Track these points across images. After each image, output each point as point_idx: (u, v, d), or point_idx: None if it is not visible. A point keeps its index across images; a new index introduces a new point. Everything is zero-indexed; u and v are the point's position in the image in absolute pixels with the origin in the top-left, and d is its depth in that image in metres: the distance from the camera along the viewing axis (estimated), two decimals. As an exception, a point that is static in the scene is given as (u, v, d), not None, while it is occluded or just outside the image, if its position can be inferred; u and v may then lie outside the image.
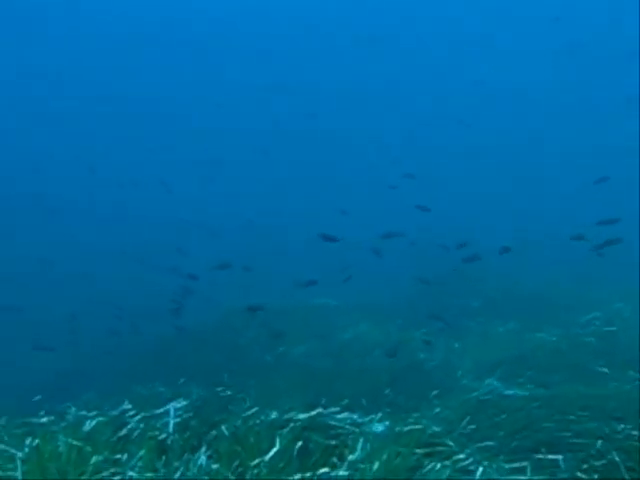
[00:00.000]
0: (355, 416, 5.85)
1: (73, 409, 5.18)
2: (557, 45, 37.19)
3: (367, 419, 5.83)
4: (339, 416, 5.72)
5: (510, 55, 39.66)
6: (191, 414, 5.29)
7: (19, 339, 12.74)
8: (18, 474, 4.15)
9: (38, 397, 7.42)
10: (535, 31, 37.46)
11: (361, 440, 5.00)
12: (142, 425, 4.92)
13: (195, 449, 4.70)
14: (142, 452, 4.49)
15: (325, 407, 5.84)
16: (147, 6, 35.69)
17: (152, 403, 7.75)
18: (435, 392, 8.87)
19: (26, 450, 4.31)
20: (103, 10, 35.10)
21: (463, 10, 37.74)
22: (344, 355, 10.31)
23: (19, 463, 4.16)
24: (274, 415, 5.24)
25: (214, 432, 4.91)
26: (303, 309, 12.49)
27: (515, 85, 39.63)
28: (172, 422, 4.85)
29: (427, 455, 5.49)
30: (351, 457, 4.95)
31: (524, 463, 5.72)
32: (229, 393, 7.55)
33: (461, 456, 5.27)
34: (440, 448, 5.69)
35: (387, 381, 9.58)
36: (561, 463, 5.64)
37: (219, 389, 8.78)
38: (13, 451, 4.32)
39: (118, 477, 4.23)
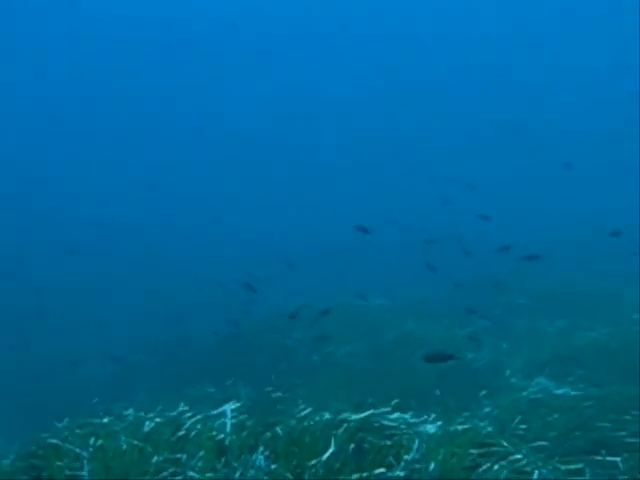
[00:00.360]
0: (407, 416, 5.84)
1: (131, 410, 5.28)
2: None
3: (419, 419, 5.81)
4: (391, 416, 5.72)
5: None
6: (245, 415, 5.34)
7: (70, 343, 13.02)
8: (84, 473, 4.26)
9: (95, 399, 7.63)
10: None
11: (417, 440, 4.99)
12: (199, 426, 5.00)
13: (252, 449, 4.74)
14: (201, 452, 4.55)
15: (376, 407, 5.84)
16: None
17: (203, 404, 7.86)
18: (484, 392, 8.78)
19: (90, 450, 4.42)
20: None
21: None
22: (390, 355, 10.30)
23: (85, 462, 4.27)
24: (327, 416, 5.26)
25: (270, 433, 4.96)
26: (349, 308, 12.49)
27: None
28: (229, 423, 4.91)
29: (482, 455, 5.43)
30: (407, 457, 4.95)
31: (580, 465, 5.63)
32: (278, 394, 7.62)
33: (517, 456, 5.21)
34: (495, 448, 5.63)
35: (434, 380, 9.53)
36: (620, 464, 5.55)
37: (268, 389, 8.86)
38: (78, 450, 4.43)
39: (179, 477, 4.31)
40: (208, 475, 4.38)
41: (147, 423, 4.87)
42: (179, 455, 4.56)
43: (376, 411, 5.60)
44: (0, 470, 4.37)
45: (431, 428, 5.66)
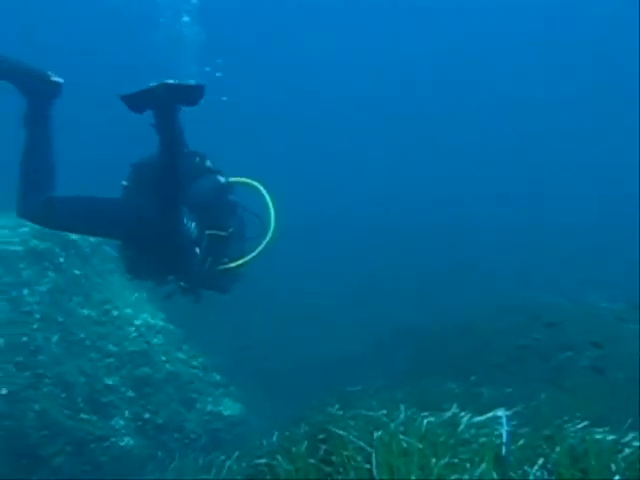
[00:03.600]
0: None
1: (402, 407, 5.36)
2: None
3: None
4: (675, 445, 5.21)
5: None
6: (514, 422, 5.19)
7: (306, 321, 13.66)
8: (370, 466, 4.40)
9: (359, 387, 8.00)
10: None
11: None
12: (473, 431, 4.94)
13: (530, 462, 4.58)
14: (481, 461, 4.48)
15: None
16: None
17: (445, 400, 7.81)
18: None
19: (374, 444, 4.54)
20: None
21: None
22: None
23: (373, 456, 4.40)
24: (611, 436, 4.93)
25: (549, 446, 4.76)
26: (586, 311, 11.76)
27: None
28: (506, 431, 4.79)
29: None
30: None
31: None
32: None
33: None
34: None
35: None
36: None
37: (509, 391, 8.61)
38: (362, 444, 4.58)
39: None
40: (490, 486, 4.30)
41: (424, 423, 4.90)
42: (456, 460, 4.53)
43: (659, 437, 5.15)
44: (297, 454, 4.66)
45: None
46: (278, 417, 9.68)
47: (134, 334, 10.09)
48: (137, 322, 10.28)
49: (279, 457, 4.61)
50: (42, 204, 5.51)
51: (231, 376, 10.96)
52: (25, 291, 9.29)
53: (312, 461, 4.57)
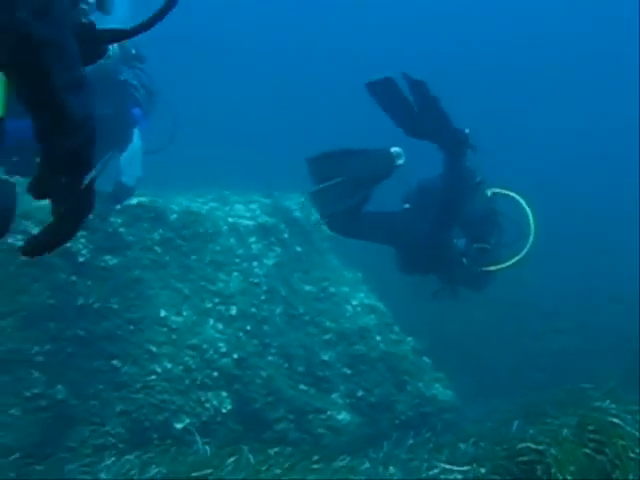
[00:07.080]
0: None
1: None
2: None
3: None
4: None
5: None
6: None
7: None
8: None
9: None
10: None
11: None
12: None
13: None
14: None
15: None
16: None
17: None
18: None
19: None
20: None
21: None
22: None
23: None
24: None
25: None
26: None
27: None
28: None
29: None
30: None
31: None
32: None
33: None
34: None
35: None
36: None
37: None
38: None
39: None
40: None
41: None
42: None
43: None
44: (569, 444, 4.39)
45: None
46: (495, 408, 9.41)
47: (350, 312, 10.29)
48: (353, 301, 10.47)
49: (552, 448, 4.34)
50: (350, 221, 6.73)
51: (441, 362, 10.79)
52: (254, 263, 9.84)
53: (587, 451, 4.28)
